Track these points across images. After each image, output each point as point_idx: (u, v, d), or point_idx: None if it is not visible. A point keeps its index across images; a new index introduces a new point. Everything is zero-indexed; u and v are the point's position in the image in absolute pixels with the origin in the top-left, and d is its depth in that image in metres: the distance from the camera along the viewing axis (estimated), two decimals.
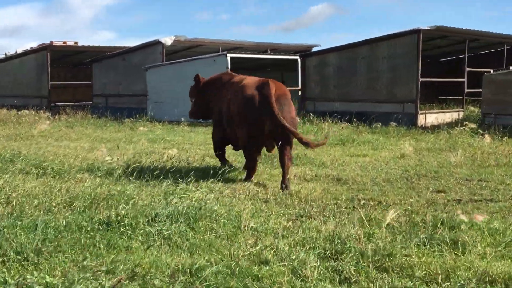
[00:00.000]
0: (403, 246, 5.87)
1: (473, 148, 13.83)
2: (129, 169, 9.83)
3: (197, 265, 5.29)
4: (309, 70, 23.91)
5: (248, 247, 5.93)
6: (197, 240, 6.15)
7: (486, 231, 6.41)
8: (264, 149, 10.58)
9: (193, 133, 18.22)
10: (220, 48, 28.16)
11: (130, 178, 9.29)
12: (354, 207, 8.05)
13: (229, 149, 11.48)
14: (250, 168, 10.14)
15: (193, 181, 9.23)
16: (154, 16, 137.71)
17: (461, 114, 22.48)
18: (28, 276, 4.95)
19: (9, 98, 30.16)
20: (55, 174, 9.78)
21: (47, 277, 4.93)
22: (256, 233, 6.50)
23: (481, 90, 20.22)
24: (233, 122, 10.17)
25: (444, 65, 31.88)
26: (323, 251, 5.84)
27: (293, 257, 5.56)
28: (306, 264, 5.36)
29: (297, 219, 7.27)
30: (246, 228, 6.61)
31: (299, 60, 25.19)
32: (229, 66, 22.27)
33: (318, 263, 5.42)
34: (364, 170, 11.11)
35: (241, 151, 10.94)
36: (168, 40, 25.91)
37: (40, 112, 24.73)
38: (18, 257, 5.47)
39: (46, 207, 7.32)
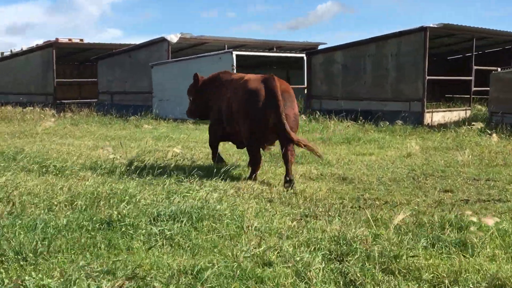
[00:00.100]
0: (410, 247, 5.74)
1: (480, 147, 13.69)
2: (132, 167, 9.73)
3: (199, 267, 5.16)
4: (315, 68, 23.78)
5: (252, 248, 5.79)
6: (199, 241, 6.03)
7: (495, 232, 6.27)
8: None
9: (198, 131, 18.12)
10: (226, 46, 28.04)
11: (133, 177, 9.20)
12: (360, 206, 7.92)
13: (233, 147, 11.37)
14: (254, 164, 10.04)
15: (197, 179, 9.13)
16: (160, 14, 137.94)
17: (468, 112, 22.31)
18: (26, 277, 4.85)
19: (14, 95, 30.14)
20: (57, 172, 9.68)
21: (45, 278, 4.82)
22: (259, 233, 6.38)
23: (488, 88, 20.03)
24: (233, 119, 10.12)
25: (451, 63, 31.66)
26: (328, 252, 5.71)
27: (297, 258, 5.43)
28: (310, 266, 5.23)
29: (301, 219, 7.14)
30: (249, 228, 6.48)
31: (305, 58, 25.07)
32: (235, 64, 22.16)
33: (323, 265, 5.29)
34: (370, 169, 10.97)
35: (244, 149, 10.84)
36: (173, 38, 25.81)
37: (45, 110, 24.67)
38: (17, 257, 5.37)
39: (47, 205, 7.23)
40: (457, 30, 22.39)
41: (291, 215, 7.33)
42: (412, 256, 5.48)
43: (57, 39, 29.65)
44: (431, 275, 5.11)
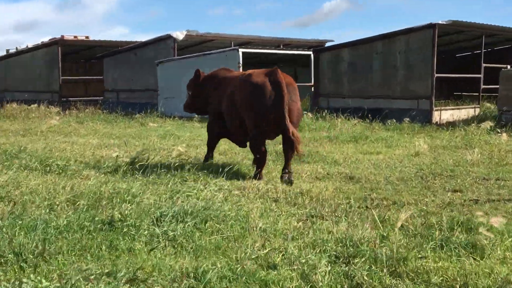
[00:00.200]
0: (419, 249, 5.58)
1: (490, 146, 13.50)
2: (136, 166, 9.62)
3: (201, 269, 5.03)
4: (322, 65, 23.61)
5: (256, 249, 5.66)
6: (203, 242, 5.90)
7: (506, 233, 6.11)
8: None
9: (203, 129, 17.90)
10: (232, 43, 27.92)
11: (137, 176, 9.08)
12: (367, 207, 7.76)
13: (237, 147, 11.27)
14: (259, 159, 9.92)
15: (201, 179, 9.02)
16: (167, 12, 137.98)
17: (477, 110, 22.11)
18: (24, 280, 4.73)
19: (20, 93, 30.09)
20: (60, 171, 9.58)
21: (44, 281, 4.70)
22: (264, 234, 6.24)
23: (497, 86, 19.80)
24: (236, 115, 10.06)
25: (460, 60, 31.43)
26: (334, 254, 5.57)
27: (303, 260, 5.30)
28: (316, 268, 5.09)
29: (307, 220, 7.01)
30: (254, 229, 6.35)
31: (312, 55, 24.88)
32: (241, 61, 22.04)
33: (329, 268, 5.16)
34: (378, 168, 10.81)
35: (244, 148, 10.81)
36: (179, 35, 25.70)
37: (51, 107, 24.61)
38: (16, 258, 5.26)
39: (48, 205, 7.12)
40: (466, 27, 22.18)
41: (297, 216, 7.19)
42: (421, 258, 5.33)
43: (62, 36, 29.56)
44: (440, 279, 4.97)
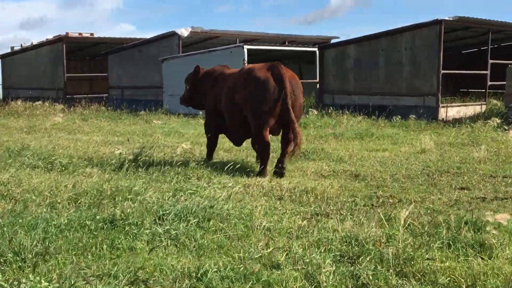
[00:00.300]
0: (425, 249, 5.47)
1: (496, 143, 13.37)
2: (140, 164, 9.53)
3: (204, 269, 4.93)
4: (327, 62, 23.48)
5: (260, 249, 5.55)
6: (205, 241, 5.79)
7: None
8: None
9: None
10: (237, 40, 27.81)
11: (140, 173, 9.00)
12: (372, 205, 7.66)
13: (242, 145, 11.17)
14: (264, 155, 9.85)
15: (205, 176, 8.94)
16: (173, 9, 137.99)
17: (484, 107, 21.94)
18: (23, 280, 4.64)
19: (24, 90, 30.08)
20: (63, 168, 9.50)
21: (43, 281, 4.60)
22: (268, 233, 6.14)
23: (504, 82, 19.63)
24: (236, 110, 10.04)
25: (466, 57, 31.22)
26: (339, 253, 5.47)
27: (307, 260, 5.18)
28: (320, 268, 4.97)
29: (312, 218, 6.92)
30: (258, 227, 6.25)
31: (317, 52, 24.76)
32: (246, 58, 21.93)
33: (334, 268, 5.04)
34: (383, 166, 10.70)
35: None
36: (184, 32, 25.60)
37: (55, 104, 24.56)
38: (15, 258, 5.16)
39: (50, 203, 7.04)
40: (473, 23, 22.00)
41: (302, 214, 7.10)
42: (428, 259, 5.21)
43: (67, 33, 29.51)
44: (448, 279, 4.85)
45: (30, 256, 5.18)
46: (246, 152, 11.89)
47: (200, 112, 20.28)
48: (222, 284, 4.73)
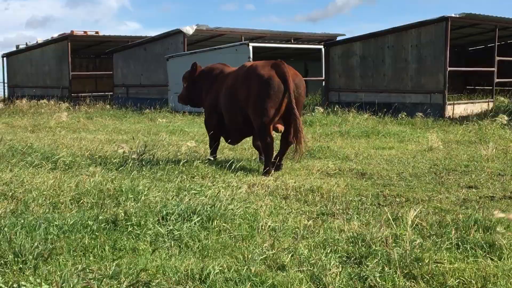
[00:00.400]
0: (434, 250, 5.35)
1: (504, 141, 13.25)
2: (144, 163, 9.44)
3: (207, 270, 4.82)
4: (333, 59, 23.35)
5: (264, 249, 5.44)
6: (209, 242, 5.69)
7: None
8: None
9: None
10: (243, 38, 27.71)
11: (144, 173, 8.90)
12: (379, 204, 7.55)
13: (247, 142, 11.07)
14: (268, 154, 9.78)
15: (209, 175, 8.85)
16: (179, 7, 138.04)
17: (491, 104, 21.80)
18: (23, 283, 4.55)
19: (30, 89, 30.06)
20: (66, 167, 9.42)
21: (44, 283, 4.51)
22: (273, 233, 6.04)
23: (511, 79, 19.49)
24: (236, 110, 10.05)
25: (472, 54, 31.05)
26: (345, 254, 5.37)
27: (313, 261, 5.09)
28: (326, 269, 4.87)
29: (318, 218, 6.81)
30: (263, 228, 6.14)
31: (323, 49, 24.64)
32: (251, 56, 21.83)
33: (340, 269, 4.94)
34: (390, 164, 10.58)
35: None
36: (189, 30, 25.51)
37: (60, 103, 24.51)
38: (16, 259, 5.05)
39: (52, 203, 6.94)
40: (480, 20, 21.86)
41: (307, 213, 6.99)
42: (436, 262, 5.09)
43: (72, 31, 29.49)
44: (457, 281, 4.73)
45: (31, 257, 5.08)
46: (251, 150, 11.78)
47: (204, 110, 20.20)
48: (226, 286, 4.64)
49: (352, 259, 5.27)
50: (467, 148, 12.61)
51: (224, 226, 6.14)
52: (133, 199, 7.01)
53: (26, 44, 32.63)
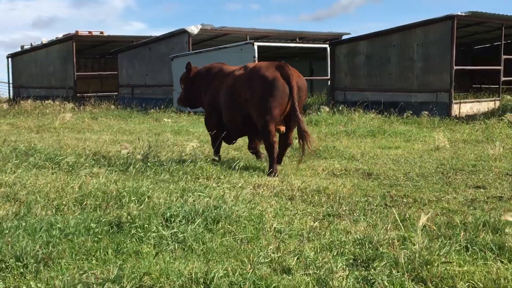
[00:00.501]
0: (442, 252, 5.24)
1: (511, 140, 13.09)
2: (148, 163, 9.36)
3: (212, 274, 4.73)
4: (338, 59, 23.24)
5: (270, 252, 5.35)
6: (214, 244, 5.60)
7: None
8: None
9: None
10: (248, 37, 27.63)
11: (148, 173, 8.82)
12: (386, 204, 7.44)
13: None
14: (271, 154, 9.70)
15: (214, 176, 8.76)
16: (184, 7, 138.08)
17: (497, 103, 21.65)
18: (24, 287, 4.48)
19: (34, 89, 30.04)
20: (70, 168, 9.34)
21: None
22: (279, 235, 5.94)
23: None
24: (237, 110, 10.05)
25: (479, 52, 30.88)
26: (352, 257, 5.27)
27: (319, 264, 4.99)
28: (333, 273, 4.77)
29: (324, 219, 6.71)
30: (268, 230, 6.05)
31: (328, 48, 24.52)
32: (256, 55, 21.74)
33: (347, 272, 4.83)
34: (397, 164, 10.48)
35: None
36: (194, 29, 25.44)
37: (65, 103, 24.47)
38: (17, 263, 4.97)
39: (55, 206, 6.86)
40: (486, 18, 21.71)
41: (313, 215, 6.90)
42: (445, 262, 4.98)
43: (77, 31, 29.46)
44: (466, 284, 4.63)
45: (32, 261, 5.00)
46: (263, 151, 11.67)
47: None
48: None
49: (359, 261, 5.18)
50: (474, 147, 12.50)
51: (229, 228, 6.06)
52: (136, 201, 6.92)
53: (31, 44, 32.62)
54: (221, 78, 10.59)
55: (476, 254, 5.30)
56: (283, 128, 9.87)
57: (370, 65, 22.02)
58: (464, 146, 12.77)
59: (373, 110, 19.21)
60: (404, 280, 4.67)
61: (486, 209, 6.97)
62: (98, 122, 19.07)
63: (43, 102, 24.61)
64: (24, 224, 5.93)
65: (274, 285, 4.61)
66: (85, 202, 6.98)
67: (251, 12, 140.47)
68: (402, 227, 6.00)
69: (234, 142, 11.22)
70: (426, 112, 18.16)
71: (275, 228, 6.11)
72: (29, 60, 31.88)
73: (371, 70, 21.99)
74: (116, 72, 29.77)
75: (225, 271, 4.83)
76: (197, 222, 6.06)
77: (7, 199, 7.22)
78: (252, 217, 6.44)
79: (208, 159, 10.08)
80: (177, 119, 20.07)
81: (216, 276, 4.69)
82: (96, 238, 5.69)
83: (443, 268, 4.87)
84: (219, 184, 8.25)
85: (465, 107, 20.24)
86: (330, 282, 4.62)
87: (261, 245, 5.62)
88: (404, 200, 7.71)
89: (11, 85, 33.42)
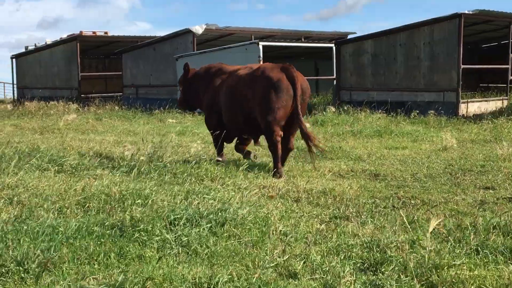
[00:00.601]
0: (452, 256, 5.11)
1: None
2: (151, 165, 9.25)
3: (216, 279, 4.62)
4: (344, 58, 23.09)
5: (276, 256, 5.23)
6: (218, 248, 5.48)
7: None
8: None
9: None
10: (252, 37, 27.51)
11: (152, 175, 8.72)
12: (394, 206, 7.30)
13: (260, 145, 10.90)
14: (275, 154, 9.62)
15: (218, 178, 8.65)
16: (189, 7, 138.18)
17: (505, 102, 21.49)
18: None
19: (39, 90, 30.01)
20: (73, 170, 9.24)
21: None
22: (285, 238, 5.82)
23: None
24: (239, 110, 9.98)
25: (486, 51, 30.67)
26: (360, 261, 5.14)
27: (326, 269, 4.87)
28: (340, 277, 4.66)
29: (331, 221, 6.59)
30: (274, 233, 5.93)
31: (333, 48, 24.37)
32: (261, 55, 21.62)
33: (354, 277, 4.72)
34: (404, 165, 10.35)
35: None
36: (198, 29, 25.34)
37: (70, 104, 24.41)
38: (18, 268, 4.87)
39: (57, 208, 6.75)
40: (493, 16, 21.53)
41: (319, 217, 6.78)
42: (455, 266, 4.85)
43: (81, 32, 29.41)
44: None
45: (34, 266, 4.89)
46: (262, 151, 11.57)
47: None
48: None
49: (367, 265, 5.07)
50: (482, 147, 12.36)
51: (233, 231, 5.94)
52: (140, 203, 6.81)
53: (35, 45, 32.58)
54: (221, 78, 10.53)
55: (487, 257, 5.17)
56: (281, 133, 9.79)
57: (376, 65, 21.87)
58: (472, 146, 12.62)
59: (380, 110, 19.04)
60: (413, 285, 4.57)
61: (496, 210, 6.84)
62: (102, 123, 18.99)
63: (47, 103, 24.55)
64: (26, 227, 5.82)
65: None
66: (88, 205, 6.88)
67: (256, 12, 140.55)
68: (410, 229, 5.88)
69: (232, 142, 11.08)
70: (432, 111, 18.00)
71: (280, 231, 6.00)
72: (33, 61, 31.85)
73: (377, 69, 21.84)
74: (120, 73, 29.69)
75: (229, 276, 4.73)
76: (201, 225, 5.95)
77: (9, 201, 7.12)
78: (258, 219, 6.33)
79: (213, 160, 9.98)
80: (181, 119, 19.97)
81: (220, 281, 4.60)
82: (98, 242, 5.58)
83: (454, 272, 4.73)
84: (224, 186, 8.14)
85: (473, 106, 20.09)
86: (338, 287, 4.50)
87: (266, 248, 5.51)
88: (412, 201, 7.57)
89: (15, 86, 33.40)
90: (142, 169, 9.02)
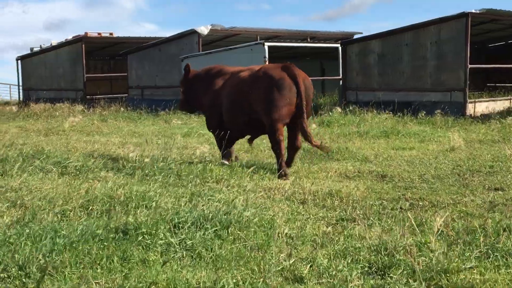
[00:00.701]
0: (462, 259, 5.00)
1: None
2: (156, 167, 9.16)
3: (220, 284, 4.52)
4: (350, 58, 22.97)
5: (281, 260, 5.13)
6: (223, 252, 5.38)
7: None
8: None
9: None
10: (258, 37, 27.42)
11: (157, 177, 8.62)
12: (401, 208, 7.19)
13: (262, 143, 10.77)
14: (278, 154, 9.56)
15: (223, 179, 8.55)
16: (195, 8, 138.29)
17: None
18: None
19: (44, 91, 30.00)
20: (77, 172, 9.16)
21: None
22: (291, 241, 5.72)
23: None
24: (241, 110, 9.93)
25: (493, 50, 30.49)
26: (367, 264, 5.04)
27: (333, 273, 4.77)
28: (347, 282, 4.57)
29: (337, 224, 6.49)
30: (280, 235, 5.83)
31: (339, 48, 24.25)
32: (267, 55, 21.51)
33: (362, 281, 4.62)
34: (411, 165, 10.23)
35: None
36: (204, 30, 25.27)
37: (75, 105, 24.37)
38: (19, 273, 4.78)
39: (60, 211, 6.66)
40: (501, 15, 21.38)
41: (326, 219, 6.68)
42: (465, 269, 4.74)
43: (86, 33, 29.39)
44: None
45: (35, 270, 4.81)
46: (267, 153, 11.48)
47: None
48: None
49: (374, 269, 4.97)
50: (491, 147, 12.22)
51: (239, 234, 5.84)
52: (144, 206, 6.72)
53: (40, 46, 32.59)
54: (222, 78, 10.49)
55: (498, 260, 5.05)
56: (284, 132, 9.74)
57: (382, 64, 21.74)
58: (480, 146, 12.49)
59: (386, 110, 18.90)
60: None
61: (506, 212, 6.72)
62: (107, 124, 18.92)
63: (52, 104, 24.52)
64: (28, 231, 5.73)
65: None
66: (91, 208, 6.79)
67: (262, 12, 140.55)
68: (418, 232, 5.77)
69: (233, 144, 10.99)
70: (438, 111, 17.85)
71: (286, 234, 5.91)
72: (39, 62, 31.84)
73: (383, 69, 21.71)
74: (125, 74, 29.65)
75: (234, 280, 4.65)
76: (206, 228, 5.85)
77: (12, 204, 7.04)
78: (263, 222, 6.24)
79: (218, 162, 9.89)
80: (187, 120, 19.88)
81: (225, 285, 4.50)
82: (101, 245, 5.49)
83: (463, 276, 4.63)
84: (229, 188, 8.05)
85: (480, 106, 19.93)
86: None
87: (272, 252, 5.41)
88: (420, 203, 7.47)
89: (20, 88, 33.41)
90: (146, 171, 8.93)
